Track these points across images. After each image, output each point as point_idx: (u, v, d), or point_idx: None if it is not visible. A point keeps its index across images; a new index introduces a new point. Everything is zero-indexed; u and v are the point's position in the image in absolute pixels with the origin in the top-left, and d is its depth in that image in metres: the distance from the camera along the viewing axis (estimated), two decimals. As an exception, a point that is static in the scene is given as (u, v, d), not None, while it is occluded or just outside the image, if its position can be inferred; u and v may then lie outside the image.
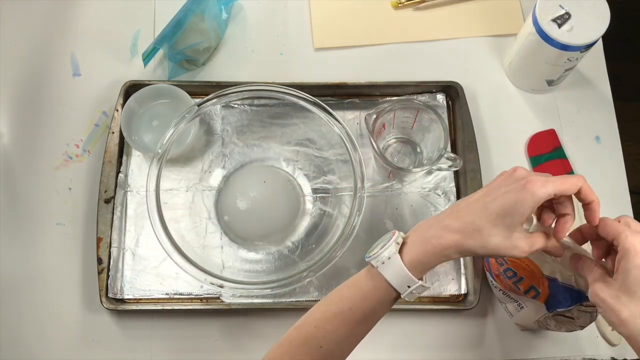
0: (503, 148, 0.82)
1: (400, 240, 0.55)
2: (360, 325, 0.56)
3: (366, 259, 0.56)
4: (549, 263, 0.61)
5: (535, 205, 0.52)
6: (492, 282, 0.71)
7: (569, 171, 0.80)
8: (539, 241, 0.54)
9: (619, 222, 0.53)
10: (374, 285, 0.55)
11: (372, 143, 0.72)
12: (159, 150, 0.71)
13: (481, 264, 0.74)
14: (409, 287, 0.54)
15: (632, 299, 0.50)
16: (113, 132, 0.78)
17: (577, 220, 0.79)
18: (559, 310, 0.61)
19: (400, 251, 0.54)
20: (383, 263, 0.54)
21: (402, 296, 0.55)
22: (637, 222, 0.53)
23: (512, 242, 0.52)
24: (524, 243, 0.53)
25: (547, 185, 0.51)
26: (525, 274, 0.63)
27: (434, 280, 0.75)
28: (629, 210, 0.80)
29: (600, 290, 0.52)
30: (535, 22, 0.73)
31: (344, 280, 0.71)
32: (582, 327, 0.63)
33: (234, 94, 0.74)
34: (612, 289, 0.51)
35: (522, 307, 0.68)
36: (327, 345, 0.55)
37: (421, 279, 0.54)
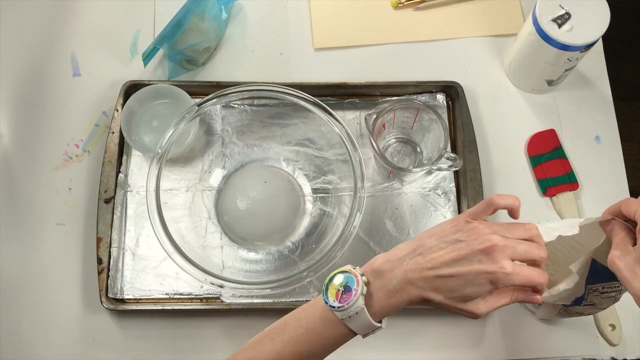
0: (503, 148, 0.82)
1: (365, 291, 0.53)
2: None
3: (329, 307, 0.54)
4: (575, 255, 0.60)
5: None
6: None
7: (569, 171, 0.80)
8: (498, 301, 0.54)
9: None
10: (337, 332, 0.54)
11: (372, 143, 0.72)
12: (159, 150, 0.71)
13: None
14: (370, 331, 0.54)
15: None
16: (113, 132, 0.78)
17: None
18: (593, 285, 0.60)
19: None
20: (350, 317, 0.53)
21: (362, 337, 0.55)
22: None
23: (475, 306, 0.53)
24: (482, 307, 0.54)
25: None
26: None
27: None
28: (629, 210, 0.80)
29: (617, 258, 0.51)
30: (535, 22, 0.73)
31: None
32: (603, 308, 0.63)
33: (234, 94, 0.74)
34: (629, 259, 0.51)
35: (539, 305, 0.67)
36: None
37: (380, 321, 0.55)
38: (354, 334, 0.55)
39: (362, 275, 0.54)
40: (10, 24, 0.86)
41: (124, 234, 0.76)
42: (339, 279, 0.54)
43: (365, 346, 0.74)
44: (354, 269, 0.55)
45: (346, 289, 0.53)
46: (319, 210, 0.78)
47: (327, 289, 0.54)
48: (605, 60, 0.86)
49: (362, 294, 0.53)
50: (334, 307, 0.53)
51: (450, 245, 0.52)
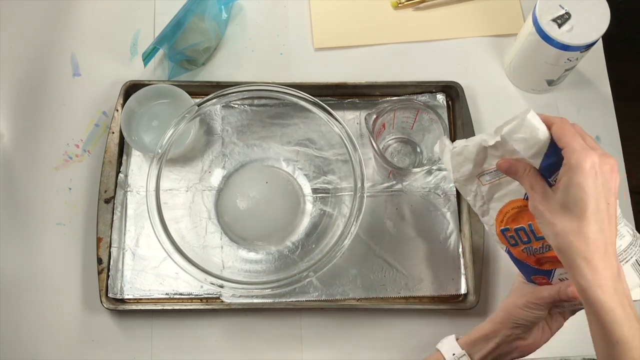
0: (503, 148, 0.82)
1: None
2: None
3: None
4: None
5: None
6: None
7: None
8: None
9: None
10: None
11: (372, 143, 0.72)
12: (159, 150, 0.71)
13: (480, 266, 0.74)
14: None
15: (566, 214, 0.50)
16: (113, 132, 0.78)
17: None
18: None
19: None
20: None
21: None
22: (592, 138, 0.54)
23: None
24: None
25: None
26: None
27: (434, 280, 0.75)
28: (629, 211, 0.79)
29: (539, 203, 0.52)
30: (535, 22, 0.73)
31: (345, 280, 0.70)
32: None
33: (234, 94, 0.74)
34: (551, 203, 0.51)
35: None
36: None
37: None
38: None
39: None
40: (10, 24, 0.86)
41: (124, 234, 0.76)
42: None
43: (366, 346, 0.74)
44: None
45: None
46: (319, 210, 0.78)
47: None
48: (605, 60, 0.86)
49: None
50: None
51: None
